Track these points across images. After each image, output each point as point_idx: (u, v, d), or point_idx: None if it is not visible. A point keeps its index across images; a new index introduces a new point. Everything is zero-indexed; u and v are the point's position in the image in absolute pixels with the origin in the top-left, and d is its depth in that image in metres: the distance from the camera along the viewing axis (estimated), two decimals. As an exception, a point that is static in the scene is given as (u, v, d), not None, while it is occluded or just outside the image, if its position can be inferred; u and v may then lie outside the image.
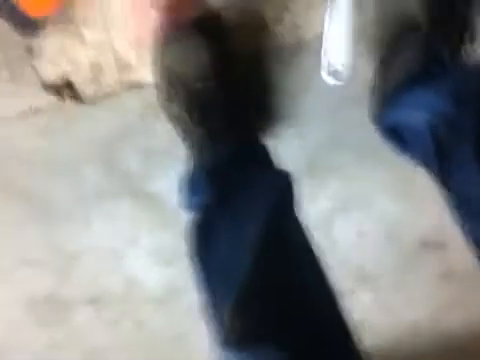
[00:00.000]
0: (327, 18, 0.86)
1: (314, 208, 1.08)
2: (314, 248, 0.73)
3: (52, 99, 0.90)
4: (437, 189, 0.77)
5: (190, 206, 0.80)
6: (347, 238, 1.14)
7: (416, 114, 0.79)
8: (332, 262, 1.15)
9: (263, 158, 0.85)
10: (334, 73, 0.88)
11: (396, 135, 0.85)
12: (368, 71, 0.91)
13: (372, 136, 0.88)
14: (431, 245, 1.13)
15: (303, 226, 0.76)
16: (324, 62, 0.88)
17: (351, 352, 0.66)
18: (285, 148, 0.98)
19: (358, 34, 0.87)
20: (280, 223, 0.73)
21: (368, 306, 1.24)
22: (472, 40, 0.84)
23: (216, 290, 0.69)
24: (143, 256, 1.13)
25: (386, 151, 0.88)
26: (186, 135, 0.87)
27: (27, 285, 1.14)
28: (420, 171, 0.81)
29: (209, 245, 0.72)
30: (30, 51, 0.85)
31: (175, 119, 0.87)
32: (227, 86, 0.86)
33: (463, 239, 0.73)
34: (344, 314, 0.68)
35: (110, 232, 1.08)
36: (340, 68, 0.87)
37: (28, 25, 0.81)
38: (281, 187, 0.78)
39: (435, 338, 1.29)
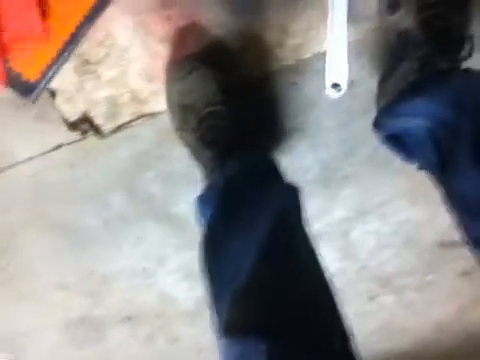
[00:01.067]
0: (328, 36, 0.90)
1: (331, 217, 1.11)
2: (317, 257, 0.75)
3: (74, 135, 0.97)
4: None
5: (202, 221, 0.84)
6: (366, 244, 1.17)
7: (416, 122, 0.82)
8: (353, 268, 1.20)
9: (271, 173, 0.88)
10: (335, 86, 0.92)
11: (398, 143, 0.88)
12: (372, 83, 0.95)
13: (382, 145, 0.92)
14: (449, 245, 1.15)
15: (308, 235, 0.78)
16: (327, 78, 0.92)
17: (344, 357, 0.68)
18: (298, 161, 1.03)
19: (359, 47, 0.92)
20: (284, 231, 0.76)
21: (392, 308, 1.27)
22: (470, 51, 0.86)
23: (219, 288, 0.73)
24: (172, 273, 1.18)
25: (396, 159, 0.92)
26: (197, 157, 0.92)
27: (63, 308, 1.20)
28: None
29: (215, 254, 0.76)
30: (52, 92, 0.92)
31: (187, 143, 0.93)
32: (234, 109, 0.91)
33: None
34: (343, 319, 0.70)
35: (138, 253, 1.14)
36: (340, 82, 0.92)
37: (26, 89, 0.87)
38: (287, 199, 0.81)
39: (460, 336, 1.30)
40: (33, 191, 1.03)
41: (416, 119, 0.82)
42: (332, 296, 0.73)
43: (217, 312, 0.72)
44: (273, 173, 0.89)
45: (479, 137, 0.71)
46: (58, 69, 0.87)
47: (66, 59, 0.86)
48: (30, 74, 0.85)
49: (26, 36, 0.81)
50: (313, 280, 0.74)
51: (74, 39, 0.84)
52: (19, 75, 0.85)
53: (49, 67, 0.85)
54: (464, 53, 0.85)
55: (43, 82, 0.86)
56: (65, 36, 0.83)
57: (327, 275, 0.75)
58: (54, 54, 0.84)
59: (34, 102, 0.89)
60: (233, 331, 0.66)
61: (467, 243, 0.75)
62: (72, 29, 0.83)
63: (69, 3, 0.83)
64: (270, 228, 0.74)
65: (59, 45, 0.83)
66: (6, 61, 0.83)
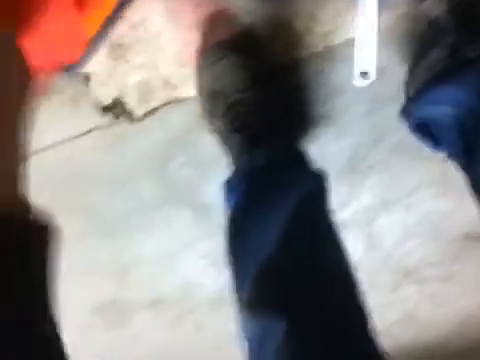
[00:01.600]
0: (356, 23, 0.91)
1: (357, 205, 1.12)
2: (341, 242, 0.77)
3: (107, 119, 0.99)
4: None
5: (227, 206, 0.86)
6: (391, 233, 1.17)
7: (444, 110, 0.82)
8: (377, 257, 1.20)
9: (298, 160, 0.90)
10: (363, 74, 0.93)
11: (426, 131, 0.88)
12: (399, 71, 0.95)
13: (410, 133, 0.93)
14: (475, 237, 1.15)
15: (332, 222, 0.80)
16: (355, 65, 0.93)
17: (363, 341, 0.69)
18: (325, 148, 1.03)
19: (388, 35, 0.92)
20: (308, 217, 0.78)
21: (416, 299, 1.27)
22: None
23: (242, 268, 0.75)
24: (199, 259, 1.20)
25: (424, 147, 0.92)
26: (226, 142, 0.94)
27: (91, 291, 1.22)
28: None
29: (239, 233, 0.79)
30: (86, 76, 0.95)
31: (216, 129, 0.94)
32: (263, 96, 0.92)
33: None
34: (363, 306, 0.71)
35: (166, 239, 1.16)
36: (368, 70, 0.92)
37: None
38: (312, 185, 0.83)
39: (484, 328, 1.30)
40: (64, 174, 1.06)
41: (444, 107, 0.82)
42: (353, 283, 0.74)
43: (239, 290, 0.74)
44: (300, 160, 0.90)
45: None
46: (94, 52, 0.88)
47: (102, 42, 0.88)
48: (69, 56, 0.87)
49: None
50: (334, 265, 0.75)
51: (110, 22, 0.86)
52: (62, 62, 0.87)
53: (86, 50, 0.87)
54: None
55: (80, 64, 0.88)
56: (101, 18, 0.85)
57: (350, 262, 0.76)
58: (91, 37, 0.86)
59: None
60: (255, 307, 0.69)
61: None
62: (108, 12, 0.84)
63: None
64: (293, 213, 0.76)
65: (96, 28, 0.85)
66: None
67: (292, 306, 0.68)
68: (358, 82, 0.94)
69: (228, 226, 0.82)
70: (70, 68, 0.88)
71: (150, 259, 1.20)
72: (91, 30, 0.84)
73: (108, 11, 0.84)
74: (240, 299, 0.73)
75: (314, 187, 0.84)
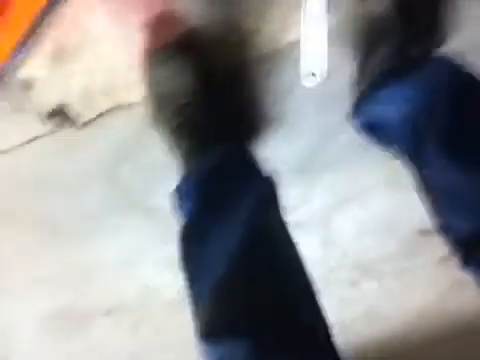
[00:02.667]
0: (302, 24, 0.90)
1: (310, 206, 1.12)
2: (296, 249, 0.76)
3: (51, 126, 0.96)
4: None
5: (180, 214, 0.84)
6: (346, 232, 1.17)
7: (391, 108, 0.82)
8: (334, 255, 1.21)
9: (248, 164, 0.88)
10: (311, 76, 0.92)
11: (375, 130, 0.88)
12: (348, 70, 0.95)
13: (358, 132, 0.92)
14: (428, 232, 1.16)
15: (286, 228, 0.79)
16: (302, 66, 0.92)
17: (327, 348, 0.67)
18: (275, 151, 1.02)
19: (335, 35, 0.91)
20: (262, 225, 0.76)
21: (373, 295, 1.28)
22: (444, 37, 0.87)
23: (198, 288, 0.73)
24: (153, 264, 1.18)
25: (374, 145, 0.92)
26: (175, 147, 0.92)
27: (44, 301, 1.19)
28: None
29: (194, 248, 0.76)
30: (26, 83, 0.91)
31: (164, 133, 0.92)
32: (212, 99, 0.91)
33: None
34: (322, 314, 0.70)
35: (119, 245, 1.14)
36: (316, 71, 0.92)
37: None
38: (264, 191, 0.81)
39: (442, 321, 1.32)
40: (9, 184, 1.02)
41: (390, 106, 0.82)
42: (312, 290, 0.72)
43: (196, 313, 0.71)
44: (250, 164, 0.89)
45: (450, 125, 0.72)
46: (24, 56, 0.85)
47: (32, 46, 0.85)
48: None
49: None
50: (293, 275, 0.74)
51: (39, 24, 0.83)
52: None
53: (14, 54, 0.84)
54: (437, 39, 0.86)
55: (9, 70, 0.85)
56: (29, 20, 0.82)
57: (306, 268, 0.75)
58: (18, 39, 0.83)
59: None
60: (211, 335, 0.66)
61: (439, 231, 0.76)
62: (36, 13, 0.81)
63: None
64: (247, 226, 0.74)
65: (23, 30, 0.82)
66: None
67: (254, 326, 0.65)
68: (306, 82, 0.93)
69: (181, 236, 0.80)
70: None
71: (105, 266, 1.17)
72: (16, 34, 0.81)
73: (33, 14, 0.81)
74: (197, 325, 0.70)
75: (266, 192, 0.82)
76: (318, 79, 0.92)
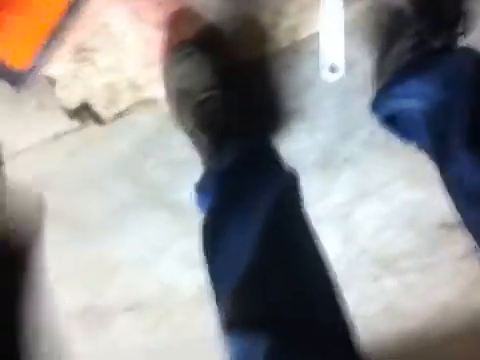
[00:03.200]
0: (321, 17, 0.91)
1: (330, 201, 1.11)
2: (317, 243, 0.75)
3: (74, 123, 0.98)
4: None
5: (202, 208, 0.85)
6: (367, 226, 1.17)
7: (411, 103, 0.82)
8: (355, 250, 1.21)
9: (269, 158, 0.88)
10: (331, 69, 0.93)
11: (395, 124, 0.88)
12: (368, 64, 0.95)
13: (380, 126, 0.93)
14: (450, 226, 1.15)
15: (308, 222, 0.78)
16: (321, 59, 0.93)
17: (345, 347, 0.67)
18: (296, 145, 1.03)
19: (354, 28, 0.92)
20: (283, 219, 0.75)
21: (395, 291, 1.27)
22: (465, 28, 0.86)
23: (220, 281, 0.73)
24: (175, 261, 1.18)
25: (395, 139, 0.92)
26: (196, 142, 0.92)
27: (68, 297, 1.20)
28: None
29: (215, 242, 0.76)
30: (50, 81, 0.93)
31: (186, 128, 0.93)
32: (231, 94, 0.92)
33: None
34: (344, 310, 0.69)
35: (141, 242, 1.14)
36: (336, 63, 0.92)
37: (16, 79, 0.88)
38: (284, 185, 0.81)
39: (465, 317, 1.30)
40: (34, 180, 1.04)
41: (410, 100, 0.82)
42: (334, 285, 0.72)
43: (219, 307, 0.72)
44: (271, 158, 0.89)
45: (471, 118, 0.71)
46: (48, 57, 0.87)
47: (55, 47, 0.87)
48: (17, 62, 0.85)
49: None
50: (314, 269, 0.73)
51: (62, 25, 0.85)
52: (3, 63, 0.85)
53: (38, 55, 0.85)
54: (459, 30, 0.85)
55: (33, 71, 0.87)
56: (51, 22, 0.83)
57: (328, 262, 0.74)
58: (41, 41, 0.84)
59: (19, 91, 0.89)
60: (234, 327, 0.66)
61: (462, 226, 0.75)
62: (58, 15, 0.83)
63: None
64: (267, 219, 0.74)
65: (46, 32, 0.84)
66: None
67: (273, 322, 0.65)
68: (326, 76, 0.94)
69: (202, 231, 0.80)
70: (21, 75, 0.86)
71: (124, 263, 1.18)
72: (41, 34, 0.83)
73: (57, 14, 0.83)
74: (220, 317, 0.70)
75: (287, 187, 0.82)
76: (338, 72, 0.93)
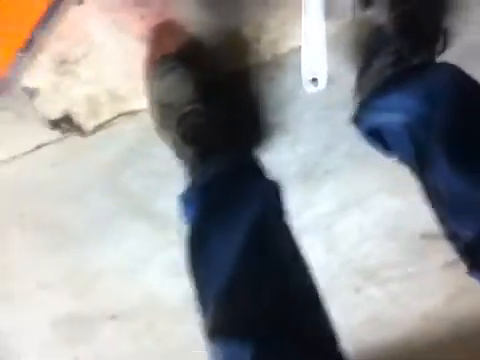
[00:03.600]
0: (302, 30, 0.91)
1: (312, 212, 1.12)
2: (301, 252, 0.76)
3: (55, 134, 0.97)
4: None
5: (185, 220, 0.85)
6: (349, 237, 1.18)
7: (392, 116, 0.83)
8: (338, 261, 1.21)
9: (252, 170, 0.89)
10: (313, 81, 0.93)
11: (377, 137, 0.89)
12: (349, 78, 0.96)
13: (361, 139, 0.93)
14: (432, 236, 1.16)
15: (291, 232, 0.79)
16: (303, 72, 0.93)
17: (329, 353, 0.67)
18: (278, 156, 1.03)
19: (336, 42, 0.92)
20: (266, 229, 0.76)
21: (377, 301, 1.28)
22: (445, 45, 0.87)
23: (204, 290, 0.74)
24: (157, 270, 1.19)
25: (376, 152, 0.92)
26: (180, 154, 0.93)
27: (49, 307, 1.20)
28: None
29: (199, 252, 0.77)
30: (30, 92, 0.92)
31: (169, 141, 0.93)
32: (214, 106, 0.92)
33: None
34: (328, 317, 0.70)
35: (123, 251, 1.14)
36: (317, 76, 0.92)
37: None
38: (268, 196, 0.82)
39: (447, 326, 1.31)
40: (15, 191, 1.04)
41: (391, 114, 0.83)
42: (316, 292, 0.73)
43: (203, 316, 0.72)
44: (254, 170, 0.90)
45: (449, 129, 0.72)
46: (24, 67, 0.87)
47: (32, 56, 0.86)
48: None
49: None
50: (296, 278, 0.74)
51: (37, 35, 0.84)
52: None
53: (14, 65, 0.85)
54: (439, 47, 0.86)
55: (8, 81, 0.86)
56: (26, 32, 0.83)
57: (311, 271, 0.75)
58: (17, 51, 0.84)
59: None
60: (217, 335, 0.67)
61: (445, 236, 0.76)
62: (33, 24, 0.83)
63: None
64: (251, 228, 0.75)
65: (21, 41, 0.83)
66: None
67: (257, 330, 0.66)
68: (308, 88, 0.94)
69: (186, 243, 0.80)
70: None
71: (106, 273, 1.18)
72: (13, 42, 0.82)
73: (30, 25, 0.82)
74: (204, 326, 0.71)
75: (270, 200, 0.83)
76: (320, 85, 0.93)
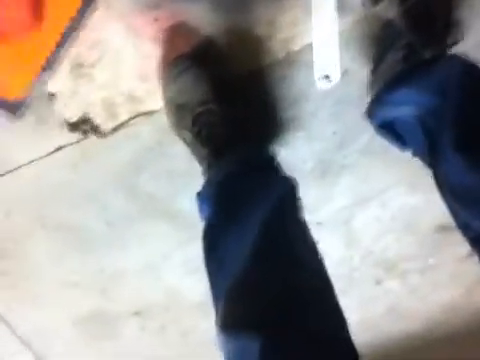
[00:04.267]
0: (313, 28, 0.91)
1: (331, 207, 1.13)
2: (315, 248, 0.77)
3: (74, 136, 0.99)
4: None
5: (202, 217, 0.87)
6: (368, 230, 1.18)
7: (405, 110, 0.83)
8: (357, 254, 1.22)
9: (267, 167, 0.90)
10: (326, 78, 0.94)
11: (391, 131, 0.89)
12: (362, 73, 0.96)
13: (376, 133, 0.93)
14: (450, 228, 1.15)
15: (305, 227, 0.80)
16: (316, 68, 0.94)
17: (341, 349, 0.68)
18: (294, 153, 1.04)
19: (348, 38, 0.92)
20: (280, 225, 0.77)
21: (398, 292, 1.28)
22: (457, 37, 0.87)
23: (217, 285, 0.76)
24: (178, 268, 1.21)
25: (392, 146, 0.93)
26: (195, 153, 0.94)
27: (74, 306, 1.23)
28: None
29: (214, 249, 0.79)
30: (48, 96, 0.94)
31: (185, 140, 0.95)
32: (228, 105, 0.93)
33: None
34: (337, 308, 0.71)
35: (144, 250, 1.16)
36: (330, 73, 0.93)
37: (10, 109, 0.91)
38: (282, 193, 0.83)
39: (466, 316, 1.31)
40: (36, 193, 1.06)
41: (404, 107, 0.83)
42: (327, 285, 0.74)
43: (216, 308, 0.74)
44: (269, 167, 0.91)
45: (462, 124, 0.72)
46: (47, 79, 0.89)
47: (54, 69, 0.89)
48: (11, 93, 0.88)
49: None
50: (308, 273, 0.75)
51: (60, 49, 0.87)
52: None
53: (37, 79, 0.87)
54: (451, 40, 0.86)
55: (29, 98, 0.89)
56: (49, 47, 0.86)
57: (324, 266, 0.76)
58: (39, 67, 0.86)
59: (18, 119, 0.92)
60: (228, 327, 0.68)
61: (457, 227, 0.76)
62: (55, 40, 0.85)
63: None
64: (265, 224, 0.76)
65: (44, 58, 0.86)
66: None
67: (265, 323, 0.67)
68: (320, 85, 0.95)
69: (203, 240, 0.82)
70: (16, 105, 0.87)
71: (129, 271, 1.20)
72: (38, 62, 0.84)
73: (60, 31, 0.84)
74: (217, 317, 0.73)
75: (285, 195, 0.83)
76: (332, 81, 0.94)
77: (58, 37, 0.85)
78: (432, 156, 0.80)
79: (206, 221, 0.85)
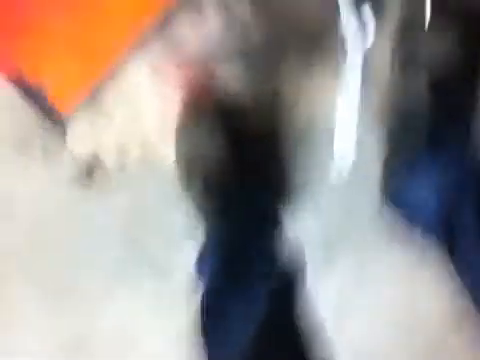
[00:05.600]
0: (338, 104, 0.93)
1: (328, 283, 1.08)
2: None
3: (80, 173, 0.98)
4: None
5: (201, 281, 0.85)
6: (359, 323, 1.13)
7: (423, 194, 0.83)
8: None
9: (272, 234, 0.89)
10: (342, 158, 0.93)
11: (405, 215, 0.88)
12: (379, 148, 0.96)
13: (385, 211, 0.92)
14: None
15: (305, 314, 0.80)
16: (335, 146, 0.93)
17: None
18: (300, 223, 1.01)
19: (366, 110, 0.93)
20: (284, 309, 0.78)
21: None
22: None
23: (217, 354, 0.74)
24: (160, 336, 1.13)
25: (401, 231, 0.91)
26: (200, 210, 0.92)
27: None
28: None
29: (212, 330, 0.78)
30: (61, 128, 0.93)
31: (190, 195, 0.93)
32: (241, 164, 0.92)
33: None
34: None
35: (132, 308, 1.09)
36: (347, 152, 0.93)
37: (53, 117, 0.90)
38: (286, 273, 0.83)
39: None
40: (32, 230, 1.02)
41: (421, 192, 0.84)
42: None
43: None
44: (275, 235, 0.89)
45: None
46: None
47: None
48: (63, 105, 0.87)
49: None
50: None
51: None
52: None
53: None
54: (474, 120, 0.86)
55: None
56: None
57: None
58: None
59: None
60: None
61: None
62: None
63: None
64: (269, 305, 0.75)
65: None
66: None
67: None
68: (336, 165, 0.94)
69: (200, 306, 0.81)
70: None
71: (109, 334, 1.13)
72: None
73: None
74: None
75: (290, 276, 0.84)
76: (348, 160, 0.93)
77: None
78: (450, 237, 0.77)
79: (205, 286, 0.83)
